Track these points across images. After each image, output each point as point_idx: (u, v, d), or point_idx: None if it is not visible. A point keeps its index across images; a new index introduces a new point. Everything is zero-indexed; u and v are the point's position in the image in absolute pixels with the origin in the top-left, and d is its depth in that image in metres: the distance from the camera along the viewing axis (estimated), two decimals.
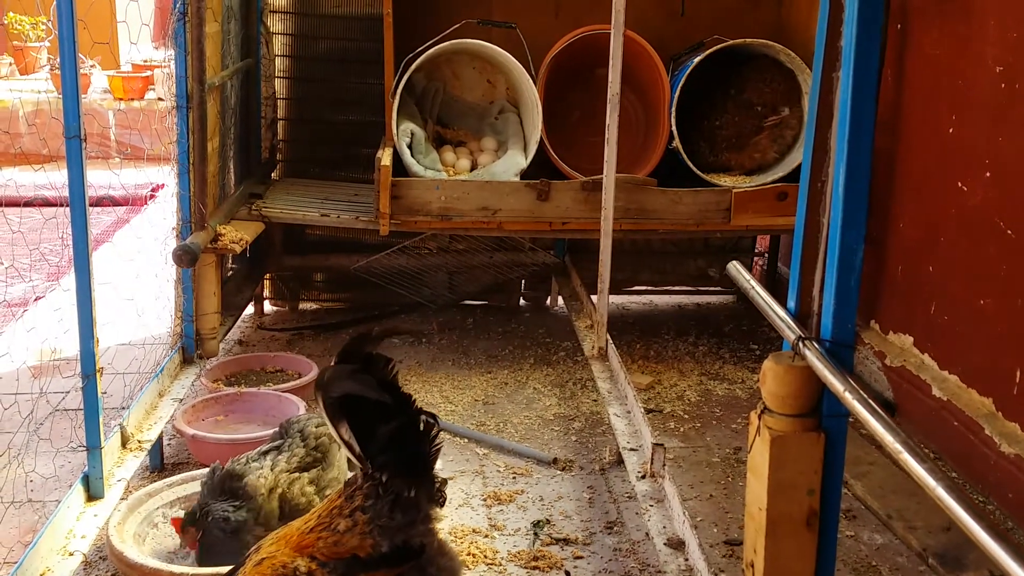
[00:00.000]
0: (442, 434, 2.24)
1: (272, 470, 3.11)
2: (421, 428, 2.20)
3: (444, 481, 2.28)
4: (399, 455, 2.15)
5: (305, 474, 3.15)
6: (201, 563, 3.01)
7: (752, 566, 1.75)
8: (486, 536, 3.44)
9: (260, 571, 2.11)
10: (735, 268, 2.08)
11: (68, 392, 4.08)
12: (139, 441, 3.42)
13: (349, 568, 2.10)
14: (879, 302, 4.48)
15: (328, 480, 3.21)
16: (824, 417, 1.69)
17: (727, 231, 4.85)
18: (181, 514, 3.07)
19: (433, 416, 2.21)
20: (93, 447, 3.04)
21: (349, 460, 3.26)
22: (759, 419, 1.72)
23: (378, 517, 2.13)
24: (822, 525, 1.70)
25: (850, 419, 1.69)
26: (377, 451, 2.14)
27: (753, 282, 1.99)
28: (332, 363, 2.15)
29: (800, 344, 1.67)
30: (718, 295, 6.12)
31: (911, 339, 4.26)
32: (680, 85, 4.63)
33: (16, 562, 2.57)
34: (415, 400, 2.21)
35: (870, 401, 1.47)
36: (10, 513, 3.26)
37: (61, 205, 3.33)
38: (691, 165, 4.67)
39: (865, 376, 3.56)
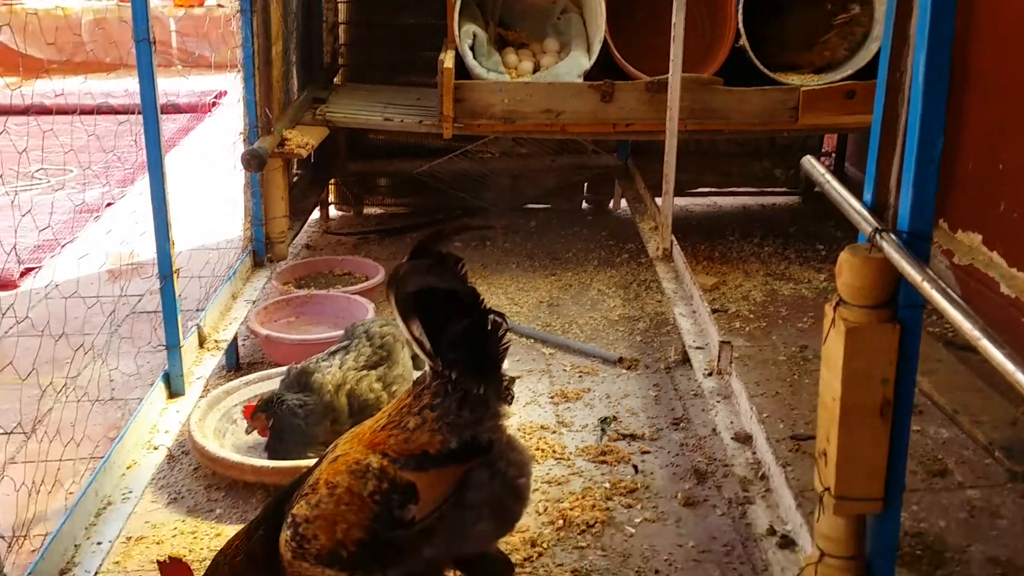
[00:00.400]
0: (510, 334, 2.27)
1: (340, 368, 3.20)
2: (490, 327, 2.22)
3: (512, 379, 2.31)
4: (468, 353, 2.18)
5: (372, 372, 3.24)
6: (270, 450, 3.14)
7: (824, 455, 1.76)
8: (554, 432, 3.51)
9: (335, 467, 2.18)
10: (809, 162, 2.05)
11: (145, 295, 4.21)
12: (215, 341, 3.53)
13: (419, 464, 2.16)
14: (948, 200, 4.38)
15: (393, 377, 3.29)
16: (900, 308, 1.67)
17: (794, 130, 4.75)
18: (254, 403, 3.20)
19: (501, 315, 2.24)
20: (172, 346, 3.14)
21: (415, 359, 3.36)
22: (834, 311, 1.71)
23: (446, 414, 2.17)
24: (895, 415, 1.70)
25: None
26: (447, 349, 2.17)
27: (828, 175, 1.95)
28: (405, 260, 2.18)
29: (877, 236, 1.65)
30: (784, 196, 6.03)
31: (980, 237, 4.17)
32: None
33: (104, 456, 2.69)
34: (484, 299, 2.23)
35: (948, 290, 1.46)
36: (95, 410, 3.40)
37: (127, 112, 3.38)
38: (758, 63, 4.56)
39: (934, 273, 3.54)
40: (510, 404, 2.29)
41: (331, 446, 2.32)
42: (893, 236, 1.63)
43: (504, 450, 2.25)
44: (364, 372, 3.22)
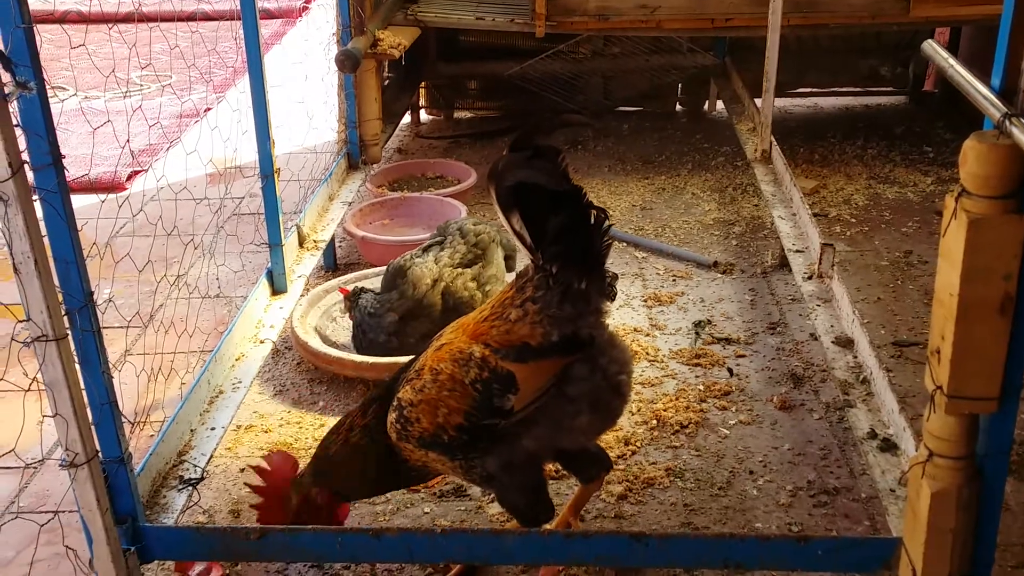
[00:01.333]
0: (612, 230, 2.24)
1: (436, 264, 3.22)
2: (592, 221, 2.20)
3: (615, 276, 2.30)
4: (570, 247, 2.16)
5: (467, 270, 3.25)
6: (355, 341, 3.22)
7: (938, 353, 1.71)
8: (647, 335, 3.50)
9: (439, 356, 2.22)
10: (931, 46, 1.94)
11: (246, 196, 4.30)
12: (314, 241, 3.59)
13: (520, 354, 2.17)
14: None
15: (488, 277, 3.30)
16: None
17: (905, 23, 4.53)
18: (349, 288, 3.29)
19: (603, 210, 2.20)
20: (274, 244, 3.21)
21: (508, 259, 3.36)
22: (956, 202, 1.64)
23: (548, 307, 2.17)
24: (1017, 312, 1.64)
25: None
26: (548, 242, 2.16)
27: (952, 60, 1.85)
28: (504, 153, 2.16)
29: (1006, 121, 1.56)
30: (890, 96, 5.79)
31: None
32: None
33: (214, 348, 2.78)
34: (586, 193, 2.20)
35: None
36: (204, 306, 3.51)
37: (223, 19, 3.39)
38: None
39: None
40: (612, 301, 2.28)
41: (437, 335, 2.36)
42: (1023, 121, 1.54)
43: (605, 346, 2.25)
44: (459, 270, 3.24)
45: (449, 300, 3.20)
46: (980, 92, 1.69)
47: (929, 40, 1.96)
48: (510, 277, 3.19)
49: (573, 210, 2.17)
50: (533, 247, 2.17)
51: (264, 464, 2.30)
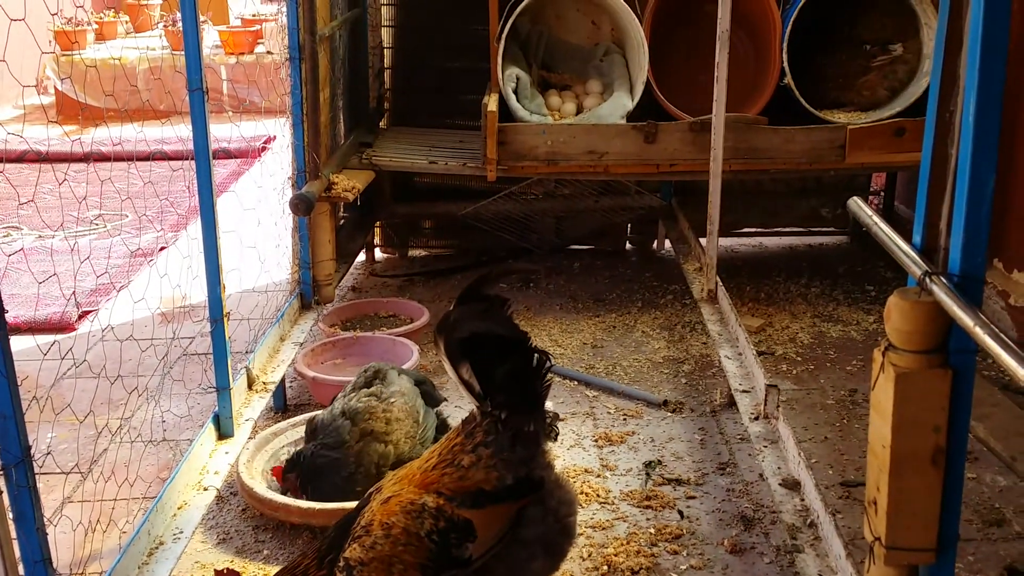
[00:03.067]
0: (551, 372, 2.29)
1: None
2: (535, 364, 2.25)
3: (556, 415, 2.33)
4: (517, 392, 2.21)
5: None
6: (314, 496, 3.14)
7: (875, 504, 1.73)
8: (598, 476, 3.49)
9: (388, 508, 2.19)
10: (856, 204, 2.04)
11: (195, 337, 4.28)
12: (264, 383, 3.57)
13: (476, 501, 2.17)
14: (1004, 240, 4.31)
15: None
16: (952, 353, 1.65)
17: (842, 169, 4.72)
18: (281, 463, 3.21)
19: (545, 353, 2.26)
20: (222, 388, 3.19)
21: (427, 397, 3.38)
22: (883, 356, 1.69)
23: (500, 451, 2.19)
24: (948, 463, 1.67)
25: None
26: (496, 389, 2.20)
27: (875, 217, 1.94)
28: (453, 306, 2.21)
29: (927, 279, 1.64)
30: (831, 235, 5.98)
31: None
32: (792, 20, 4.50)
33: (156, 496, 2.73)
34: (531, 338, 2.26)
35: (1002, 335, 1.44)
36: (148, 451, 3.45)
37: (180, 159, 3.47)
38: (804, 102, 4.55)
39: (988, 316, 3.50)
40: (555, 441, 2.31)
41: (374, 488, 2.33)
42: (944, 279, 1.61)
43: (553, 487, 2.26)
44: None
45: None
46: (902, 249, 1.77)
47: (854, 198, 2.06)
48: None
49: (519, 356, 2.21)
50: (481, 395, 2.21)
51: None
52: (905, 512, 1.69)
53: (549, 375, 2.27)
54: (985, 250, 1.66)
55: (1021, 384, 1.36)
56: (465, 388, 2.22)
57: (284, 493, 3.17)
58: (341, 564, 2.16)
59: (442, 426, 3.42)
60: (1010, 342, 1.42)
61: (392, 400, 3.25)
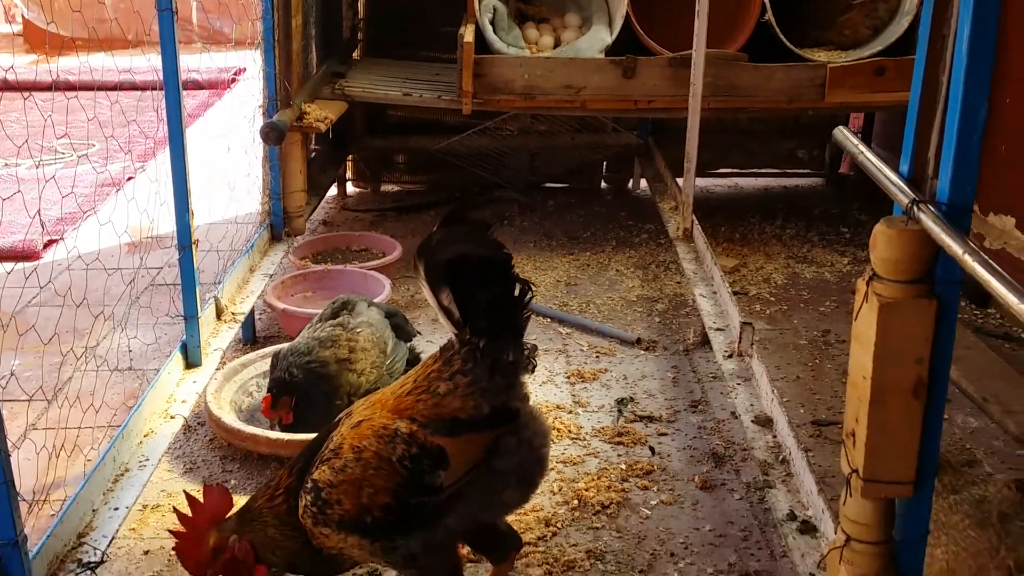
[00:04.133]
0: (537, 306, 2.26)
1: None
2: (517, 294, 2.21)
3: (534, 347, 2.29)
4: (497, 321, 2.17)
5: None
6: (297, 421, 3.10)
7: (853, 436, 1.72)
8: (570, 412, 3.47)
9: (359, 432, 2.15)
10: (841, 132, 1.99)
11: (163, 267, 4.19)
12: (233, 313, 3.51)
13: (450, 429, 2.14)
14: (980, 182, 4.29)
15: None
16: (937, 283, 1.62)
17: (820, 108, 4.68)
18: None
19: (527, 283, 2.22)
20: (190, 316, 3.12)
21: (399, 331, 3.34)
22: (867, 286, 1.66)
23: (479, 380, 2.16)
24: (929, 395, 1.65)
25: None
26: (476, 317, 2.15)
27: (862, 146, 1.90)
28: (437, 228, 2.15)
29: (914, 207, 1.60)
30: (807, 178, 5.96)
31: (1013, 220, 4.09)
32: None
33: (122, 424, 2.68)
34: (514, 265, 2.21)
35: (991, 262, 1.41)
36: (113, 379, 3.39)
37: (149, 88, 3.36)
38: (784, 39, 4.48)
39: None
40: (532, 372, 2.27)
41: (345, 412, 2.30)
42: (931, 207, 1.58)
43: (528, 419, 2.24)
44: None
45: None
46: (889, 178, 1.73)
47: (840, 127, 2.01)
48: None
49: (501, 284, 2.17)
50: (461, 323, 2.16)
51: (199, 496, 2.19)
52: (884, 444, 1.67)
53: (530, 305, 2.23)
54: (975, 179, 1.63)
55: (1013, 312, 1.33)
56: (444, 315, 2.18)
57: (275, 423, 3.11)
58: (309, 485, 2.13)
59: (414, 360, 3.39)
60: (999, 269, 1.39)
61: (358, 330, 3.21)
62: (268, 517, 2.17)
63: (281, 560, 2.21)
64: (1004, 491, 2.16)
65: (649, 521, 2.89)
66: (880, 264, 1.64)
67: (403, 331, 3.41)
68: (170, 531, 2.22)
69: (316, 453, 2.18)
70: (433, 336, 3.99)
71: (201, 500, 2.19)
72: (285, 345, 3.29)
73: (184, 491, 2.28)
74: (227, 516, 2.21)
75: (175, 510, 2.24)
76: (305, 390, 3.04)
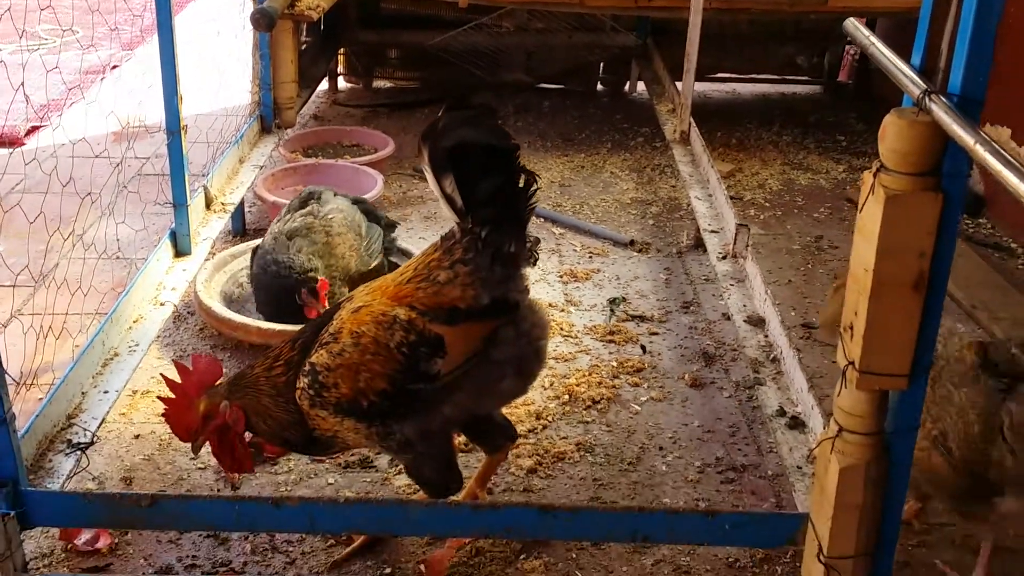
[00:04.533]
0: (537, 193, 2.21)
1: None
2: (521, 184, 2.16)
3: (537, 240, 2.26)
4: (500, 210, 2.13)
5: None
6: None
7: (851, 329, 1.71)
8: (563, 311, 3.47)
9: (359, 318, 2.13)
10: (852, 24, 1.94)
11: (150, 157, 4.12)
12: (222, 204, 3.46)
13: (449, 317, 2.12)
14: None
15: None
16: (944, 176, 1.60)
17: (822, 13, 4.58)
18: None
19: (532, 173, 2.17)
20: (179, 204, 3.08)
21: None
22: (874, 178, 1.64)
23: (479, 270, 2.13)
24: (930, 290, 1.65)
25: None
26: (478, 205, 2.11)
27: (873, 37, 1.85)
28: (441, 113, 2.10)
29: (926, 98, 1.56)
30: (805, 85, 5.87)
31: (1008, 131, 4.05)
32: None
33: (110, 310, 2.65)
34: (519, 154, 2.16)
35: (1003, 153, 1.38)
36: (101, 266, 3.35)
37: None
38: None
39: None
40: (533, 265, 2.25)
41: (345, 297, 2.28)
42: (943, 98, 1.54)
43: (527, 311, 2.23)
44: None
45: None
46: (901, 70, 1.69)
47: (851, 18, 1.96)
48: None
49: (506, 173, 2.13)
50: (463, 211, 2.13)
51: (188, 364, 2.19)
52: (881, 337, 1.67)
53: (535, 197, 2.18)
54: (988, 72, 1.59)
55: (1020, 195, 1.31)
56: (447, 203, 2.13)
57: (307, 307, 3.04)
58: (306, 368, 2.12)
59: (390, 244, 3.38)
60: (1012, 159, 1.36)
61: (330, 216, 3.20)
62: (264, 386, 2.16)
63: (272, 430, 2.20)
64: (965, 353, 2.20)
65: (639, 416, 2.91)
66: (888, 156, 1.61)
67: (373, 215, 3.38)
68: (160, 397, 2.21)
69: (320, 330, 2.17)
70: (425, 233, 3.96)
71: (190, 367, 2.18)
72: (261, 240, 3.24)
73: (173, 360, 2.26)
74: (216, 383, 2.20)
75: (163, 376, 2.23)
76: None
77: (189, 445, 2.23)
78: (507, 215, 2.12)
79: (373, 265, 3.25)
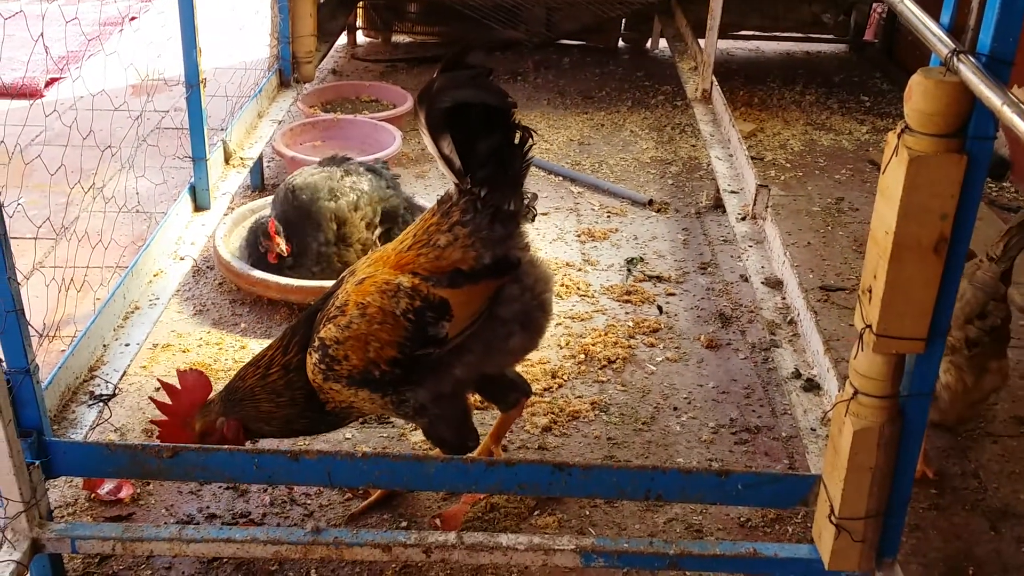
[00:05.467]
0: (536, 164, 2.19)
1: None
2: (517, 142, 2.15)
3: (534, 196, 2.25)
4: (498, 170, 2.12)
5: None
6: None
7: (870, 291, 1.70)
8: (579, 270, 3.47)
9: (363, 289, 2.13)
10: None
11: (170, 111, 4.12)
12: (241, 158, 3.46)
13: (452, 280, 2.12)
14: None
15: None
16: (969, 139, 1.58)
17: None
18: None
19: (528, 130, 2.15)
20: (198, 158, 3.08)
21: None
22: (898, 139, 1.62)
23: (479, 230, 2.13)
24: (950, 253, 1.63)
25: None
26: (477, 166, 2.10)
27: None
28: (436, 74, 2.08)
29: (954, 58, 1.54)
30: (830, 43, 5.79)
31: None
32: None
33: (130, 263, 2.67)
34: (515, 112, 2.15)
35: None
36: (121, 220, 3.37)
37: None
38: None
39: None
40: (532, 221, 2.24)
41: (348, 271, 2.28)
42: (972, 59, 1.51)
43: (528, 266, 2.22)
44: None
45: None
46: (929, 28, 1.66)
47: None
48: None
49: (503, 131, 2.11)
50: (461, 171, 2.12)
51: (176, 383, 2.21)
52: (900, 300, 1.66)
53: (530, 153, 2.17)
54: (1019, 30, 1.56)
55: None
56: (445, 164, 2.12)
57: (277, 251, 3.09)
58: (316, 344, 2.13)
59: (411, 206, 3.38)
60: None
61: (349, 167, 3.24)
62: (261, 394, 2.18)
63: (277, 428, 2.24)
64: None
65: (654, 377, 2.92)
66: (914, 116, 1.59)
67: (378, 172, 3.36)
68: (153, 421, 2.23)
69: (311, 326, 2.18)
70: (442, 191, 3.94)
71: (179, 386, 2.19)
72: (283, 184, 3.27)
73: (158, 379, 2.28)
74: (208, 399, 2.22)
75: (153, 400, 2.25)
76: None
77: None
78: (505, 173, 2.11)
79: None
